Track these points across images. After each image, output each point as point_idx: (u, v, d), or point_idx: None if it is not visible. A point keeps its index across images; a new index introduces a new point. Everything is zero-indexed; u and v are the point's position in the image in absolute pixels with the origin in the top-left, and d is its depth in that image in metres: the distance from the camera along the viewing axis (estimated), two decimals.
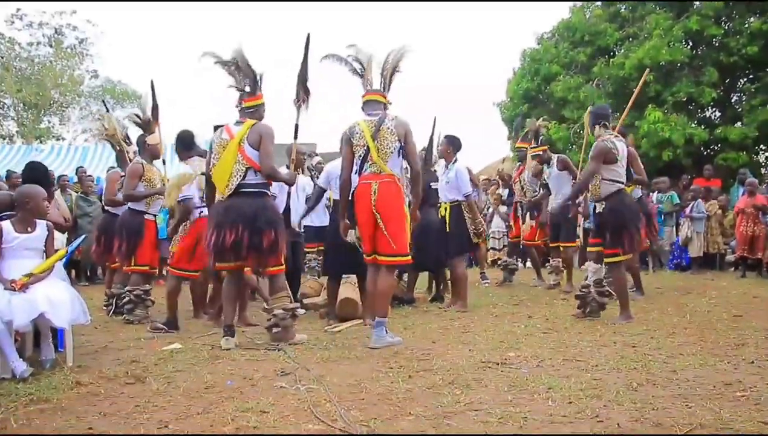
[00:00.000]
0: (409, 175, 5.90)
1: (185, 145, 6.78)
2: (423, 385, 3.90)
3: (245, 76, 5.47)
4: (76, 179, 12.58)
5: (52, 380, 4.18)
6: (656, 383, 3.86)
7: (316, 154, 10.86)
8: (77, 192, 11.55)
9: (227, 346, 5.21)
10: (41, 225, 4.74)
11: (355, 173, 5.43)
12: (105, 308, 7.48)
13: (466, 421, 3.20)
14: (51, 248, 4.77)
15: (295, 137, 5.97)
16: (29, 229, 4.67)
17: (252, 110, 5.44)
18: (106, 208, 7.74)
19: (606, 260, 6.31)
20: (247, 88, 5.47)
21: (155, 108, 7.10)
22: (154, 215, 7.05)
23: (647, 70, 7.88)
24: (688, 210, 11.83)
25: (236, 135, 5.29)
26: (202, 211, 6.31)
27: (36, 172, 5.60)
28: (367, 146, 5.29)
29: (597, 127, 6.41)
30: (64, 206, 5.95)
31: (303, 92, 5.87)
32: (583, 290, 6.46)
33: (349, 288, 6.76)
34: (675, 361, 4.45)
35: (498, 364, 4.42)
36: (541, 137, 9.63)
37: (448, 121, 21.19)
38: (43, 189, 4.86)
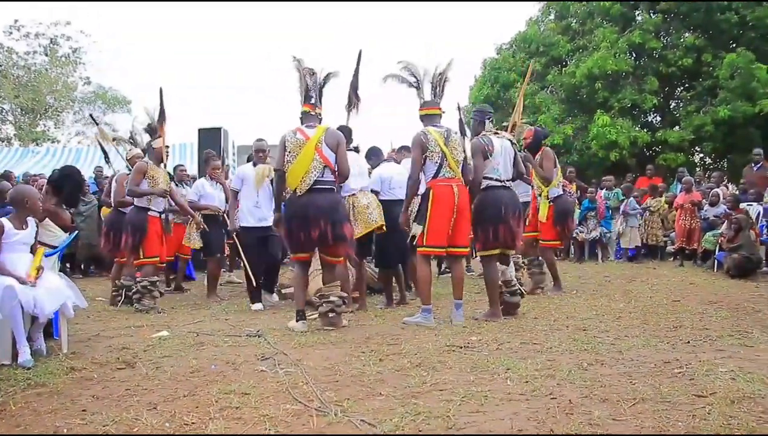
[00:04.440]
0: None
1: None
2: (392, 367, 3.90)
3: (315, 85, 5.65)
4: None
5: (48, 365, 4.15)
6: (604, 362, 3.91)
7: None
8: None
9: (303, 329, 5.31)
10: (32, 222, 4.76)
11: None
12: (114, 297, 7.42)
13: (432, 400, 3.21)
14: (35, 243, 4.78)
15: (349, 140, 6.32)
16: (24, 226, 4.66)
17: (321, 117, 5.65)
18: (117, 208, 7.63)
19: (479, 253, 6.10)
20: (314, 98, 5.65)
21: (162, 114, 7.07)
22: (159, 213, 6.98)
23: (533, 61, 7.74)
24: (622, 207, 11.97)
25: (312, 137, 5.43)
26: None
27: (73, 177, 5.98)
28: (443, 154, 5.45)
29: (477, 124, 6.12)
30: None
31: (355, 98, 6.35)
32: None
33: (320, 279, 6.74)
34: (621, 342, 4.51)
35: (461, 347, 4.43)
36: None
37: (411, 124, 21.17)
38: (36, 190, 4.88)
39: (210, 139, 11.70)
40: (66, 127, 31.23)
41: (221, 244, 8.26)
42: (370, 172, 6.95)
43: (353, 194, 6.39)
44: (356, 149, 6.79)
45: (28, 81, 28.44)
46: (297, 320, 5.43)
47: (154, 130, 7.13)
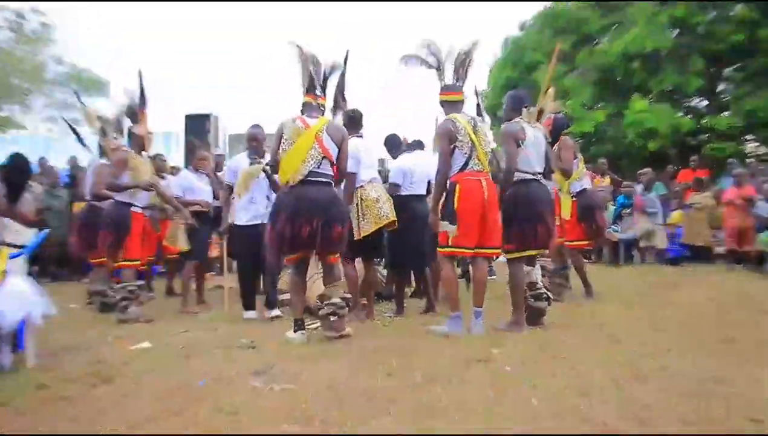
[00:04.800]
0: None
1: None
2: (403, 383, 3.89)
3: (319, 76, 5.70)
4: (39, 170, 12.38)
5: (12, 381, 4.13)
6: (643, 379, 3.88)
7: None
8: (41, 184, 11.37)
9: (301, 340, 5.34)
10: None
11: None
12: (88, 305, 7.45)
13: (448, 420, 3.20)
14: None
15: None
16: None
17: (324, 109, 5.70)
18: (92, 201, 7.63)
19: (506, 255, 6.07)
20: (318, 88, 5.71)
21: (143, 98, 7.04)
22: (142, 208, 6.97)
23: (558, 44, 7.69)
24: (640, 203, 11.94)
25: (313, 125, 5.45)
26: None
27: (20, 164, 5.52)
28: (472, 144, 5.48)
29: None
30: (30, 199, 5.88)
31: (341, 100, 6.27)
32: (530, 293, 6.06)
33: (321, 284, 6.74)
34: (662, 357, 4.48)
35: (481, 361, 4.41)
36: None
37: (426, 111, 21.20)
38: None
39: (198, 127, 11.74)
40: (35, 112, 31.35)
41: (206, 247, 8.22)
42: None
43: (361, 186, 6.40)
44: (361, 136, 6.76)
45: None
46: (295, 331, 5.43)
47: (135, 114, 7.09)
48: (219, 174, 9.34)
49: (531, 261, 5.91)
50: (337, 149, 5.51)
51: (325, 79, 5.74)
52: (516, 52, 19.48)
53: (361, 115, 6.67)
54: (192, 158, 8.49)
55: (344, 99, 6.32)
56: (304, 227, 5.23)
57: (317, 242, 5.29)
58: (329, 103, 6.00)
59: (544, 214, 5.73)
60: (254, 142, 7.09)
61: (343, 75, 6.21)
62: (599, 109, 17.20)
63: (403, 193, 6.69)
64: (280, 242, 5.33)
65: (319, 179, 5.40)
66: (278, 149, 5.48)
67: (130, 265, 6.82)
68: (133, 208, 6.85)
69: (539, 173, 5.86)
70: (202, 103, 48.47)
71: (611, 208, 12.61)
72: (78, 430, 3.21)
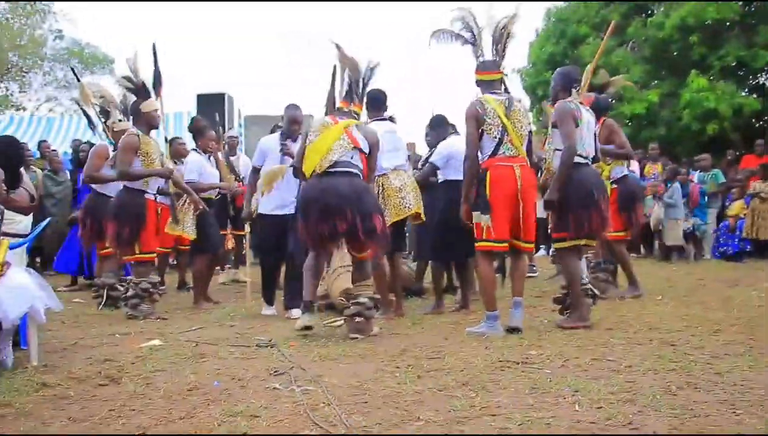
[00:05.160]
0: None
1: None
2: (433, 386, 3.91)
3: (356, 83, 5.90)
4: (39, 154, 12.56)
5: (14, 381, 4.18)
6: (698, 386, 3.86)
7: None
8: (42, 169, 11.53)
9: (308, 323, 5.49)
10: None
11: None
12: (95, 299, 7.51)
13: (482, 427, 3.21)
14: None
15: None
16: None
17: (357, 116, 5.90)
18: (90, 186, 7.70)
19: (554, 244, 6.15)
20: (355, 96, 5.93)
21: (157, 73, 7.02)
22: (155, 195, 6.92)
23: (612, 23, 7.55)
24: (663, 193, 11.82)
25: (342, 122, 5.62)
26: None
27: (9, 148, 5.53)
28: (503, 127, 5.48)
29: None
30: (30, 185, 5.89)
31: (332, 105, 6.22)
32: (562, 290, 6.14)
33: (347, 278, 6.78)
34: (719, 362, 4.45)
35: (518, 363, 4.43)
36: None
37: (459, 93, 21.09)
38: None
39: (211, 107, 11.83)
40: (34, 91, 31.68)
41: (220, 238, 8.26)
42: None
43: (384, 174, 6.44)
44: (392, 119, 6.80)
45: None
46: (303, 312, 5.57)
47: (141, 89, 7.00)
48: (232, 158, 9.44)
49: (579, 254, 5.93)
50: (367, 144, 5.59)
51: (364, 86, 5.90)
52: (559, 25, 19.29)
53: (385, 95, 6.69)
54: (199, 138, 8.44)
55: (334, 103, 6.20)
56: (340, 222, 5.28)
57: (358, 236, 5.36)
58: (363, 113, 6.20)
59: (599, 201, 5.75)
60: (296, 126, 6.99)
61: (333, 84, 6.19)
62: (652, 88, 16.99)
63: (450, 178, 6.70)
64: (319, 241, 5.43)
65: (349, 170, 5.47)
66: (304, 150, 5.59)
67: (147, 258, 6.81)
68: (146, 196, 6.80)
69: (590, 157, 5.90)
70: (215, 82, 48.96)
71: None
72: (83, 433, 3.27)
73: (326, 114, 6.08)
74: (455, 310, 6.90)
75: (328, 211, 5.30)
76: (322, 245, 5.51)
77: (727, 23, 16.53)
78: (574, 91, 5.95)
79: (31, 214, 5.71)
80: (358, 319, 5.47)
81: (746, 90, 16.87)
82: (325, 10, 54.16)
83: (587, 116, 5.91)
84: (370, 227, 5.35)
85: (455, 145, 6.80)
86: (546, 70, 19.43)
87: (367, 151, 5.62)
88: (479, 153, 5.58)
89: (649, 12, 18.30)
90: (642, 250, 13.27)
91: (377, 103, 6.59)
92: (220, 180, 8.35)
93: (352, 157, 5.50)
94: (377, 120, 6.51)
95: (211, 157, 8.34)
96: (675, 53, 17.23)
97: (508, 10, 5.81)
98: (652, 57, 17.50)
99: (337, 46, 5.87)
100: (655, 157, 13.05)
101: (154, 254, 6.94)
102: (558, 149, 5.81)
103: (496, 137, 5.51)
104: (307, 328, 5.53)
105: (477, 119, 5.52)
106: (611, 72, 16.93)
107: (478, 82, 5.76)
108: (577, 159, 5.75)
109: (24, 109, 29.15)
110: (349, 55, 5.85)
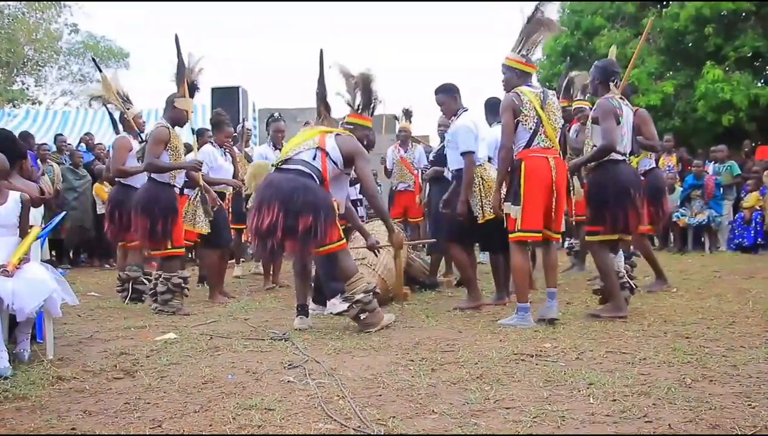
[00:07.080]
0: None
1: None
2: (447, 379, 3.92)
3: (363, 94, 5.94)
4: (54, 148, 12.61)
5: (30, 374, 4.20)
6: (713, 379, 3.85)
7: None
8: (59, 163, 11.58)
9: (300, 326, 5.58)
10: (13, 197, 4.66)
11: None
12: (119, 293, 7.50)
13: (497, 420, 3.21)
14: (25, 224, 4.71)
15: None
16: None
17: (351, 127, 5.88)
18: (117, 179, 7.69)
19: (587, 237, 6.12)
20: (357, 104, 5.97)
21: (180, 67, 6.93)
22: (180, 189, 6.91)
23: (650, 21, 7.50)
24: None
25: (322, 127, 5.75)
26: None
27: (4, 142, 5.47)
28: (539, 118, 5.55)
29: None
30: (46, 178, 5.87)
31: (324, 109, 6.20)
32: (600, 282, 6.06)
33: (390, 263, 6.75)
34: (735, 354, 4.43)
35: (532, 356, 4.43)
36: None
37: (474, 84, 21.05)
38: (4, 158, 4.76)
39: (226, 101, 11.89)
40: (49, 85, 31.85)
41: (229, 232, 8.25)
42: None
43: (480, 165, 6.41)
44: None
45: (0, 27, 28.76)
46: (296, 316, 5.68)
47: (190, 87, 6.91)
48: (246, 149, 9.46)
49: (614, 248, 5.95)
50: (340, 155, 5.55)
51: (374, 100, 5.96)
52: (573, 17, 19.19)
53: (457, 88, 6.61)
54: (216, 133, 8.36)
55: (327, 108, 6.20)
56: (266, 216, 5.19)
57: (279, 234, 5.20)
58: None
59: (636, 198, 5.79)
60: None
61: (321, 81, 6.17)
62: (668, 79, 16.88)
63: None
64: (254, 235, 5.38)
65: (299, 168, 5.42)
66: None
67: (177, 253, 6.74)
68: (176, 190, 6.75)
69: (628, 153, 5.99)
70: (230, 76, 49.14)
71: (678, 190, 12.43)
72: (98, 426, 3.28)
73: (318, 115, 6.15)
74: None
75: (260, 205, 5.27)
76: (259, 239, 5.35)
77: (743, 14, 16.43)
78: (612, 85, 5.94)
79: (42, 206, 5.66)
80: (363, 316, 5.45)
81: (762, 81, 16.75)
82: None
83: (626, 111, 5.94)
84: (291, 224, 5.15)
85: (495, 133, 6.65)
86: (560, 62, 19.35)
87: (338, 160, 5.54)
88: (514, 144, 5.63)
89: (665, 3, 18.17)
90: (656, 242, 13.20)
91: (451, 92, 6.55)
92: (235, 175, 8.33)
93: (314, 158, 5.46)
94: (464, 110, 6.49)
95: (227, 153, 8.32)
96: (690, 44, 17.12)
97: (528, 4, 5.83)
98: (667, 48, 17.39)
99: (337, 64, 5.98)
100: (669, 149, 12.98)
101: (183, 249, 6.92)
102: (596, 146, 5.83)
103: (531, 128, 5.57)
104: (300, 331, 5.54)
105: (513, 110, 5.57)
106: (625, 63, 17.01)
107: (512, 69, 5.75)
108: (614, 156, 5.78)
109: (39, 103, 29.33)
110: (357, 75, 5.90)
